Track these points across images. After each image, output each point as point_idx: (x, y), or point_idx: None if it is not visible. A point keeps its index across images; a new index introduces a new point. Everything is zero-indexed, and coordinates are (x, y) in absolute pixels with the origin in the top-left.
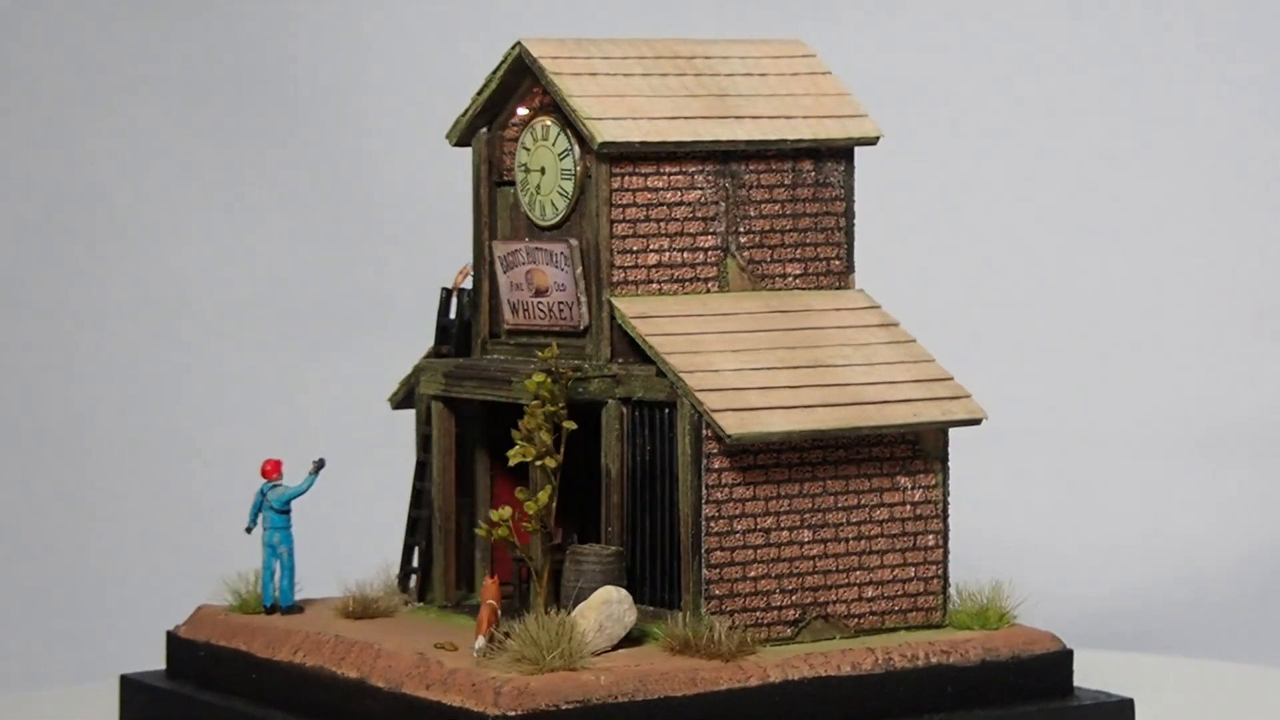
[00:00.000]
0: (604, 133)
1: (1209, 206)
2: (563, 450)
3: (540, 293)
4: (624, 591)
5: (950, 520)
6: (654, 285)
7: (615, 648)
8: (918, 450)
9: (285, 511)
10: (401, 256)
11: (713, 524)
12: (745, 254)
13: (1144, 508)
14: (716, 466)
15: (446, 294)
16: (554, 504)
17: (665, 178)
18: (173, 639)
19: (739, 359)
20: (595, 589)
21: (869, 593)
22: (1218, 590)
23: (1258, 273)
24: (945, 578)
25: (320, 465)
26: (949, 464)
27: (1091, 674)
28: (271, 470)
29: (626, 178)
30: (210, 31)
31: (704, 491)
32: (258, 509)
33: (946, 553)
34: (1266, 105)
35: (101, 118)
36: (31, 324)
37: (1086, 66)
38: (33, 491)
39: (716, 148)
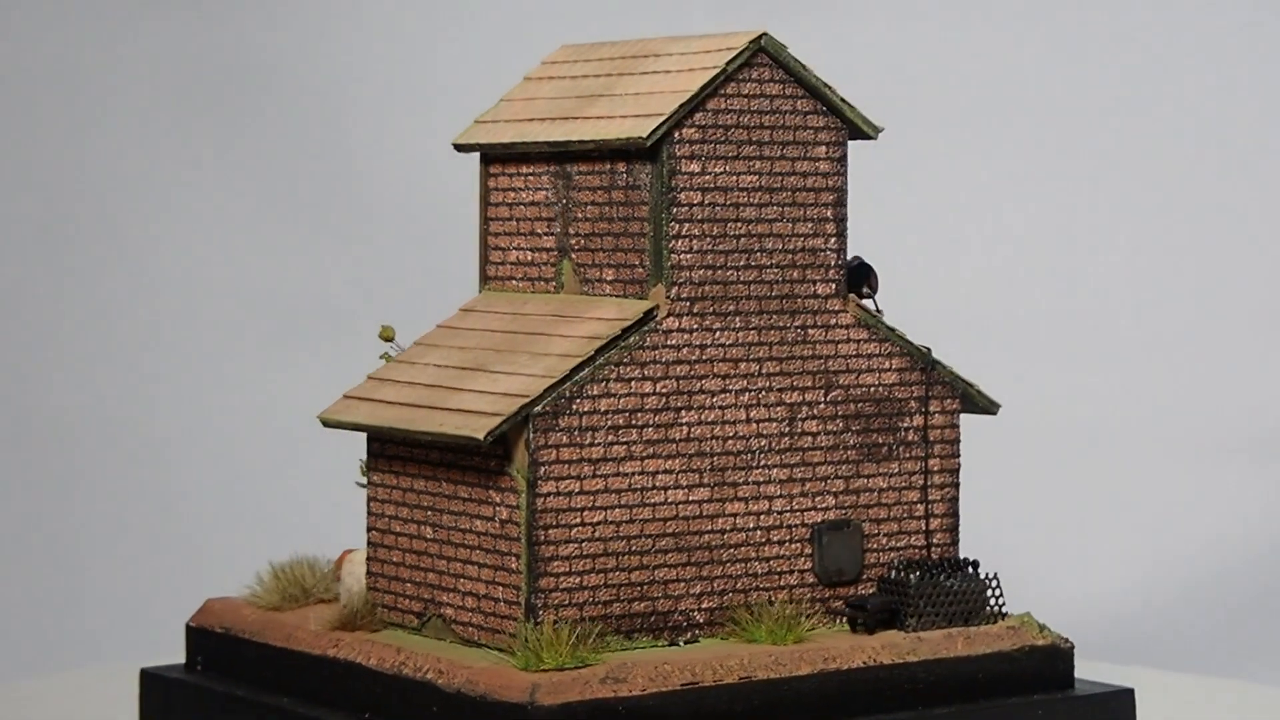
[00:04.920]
0: (462, 135)
1: (1210, 206)
2: None
3: None
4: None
5: (543, 547)
6: (513, 282)
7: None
8: (504, 467)
9: None
10: (399, 256)
11: (371, 505)
12: (575, 256)
13: (1145, 510)
14: (375, 452)
15: None
16: None
17: (524, 178)
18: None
19: (442, 355)
20: None
21: (469, 603)
22: (1218, 597)
23: (1259, 273)
24: (527, 605)
25: None
26: (538, 487)
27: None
28: None
29: (497, 178)
30: (206, 31)
31: (363, 476)
32: None
33: (531, 580)
34: (1268, 104)
35: (98, 118)
36: (32, 321)
37: (1089, 66)
38: (48, 484)
39: (541, 149)
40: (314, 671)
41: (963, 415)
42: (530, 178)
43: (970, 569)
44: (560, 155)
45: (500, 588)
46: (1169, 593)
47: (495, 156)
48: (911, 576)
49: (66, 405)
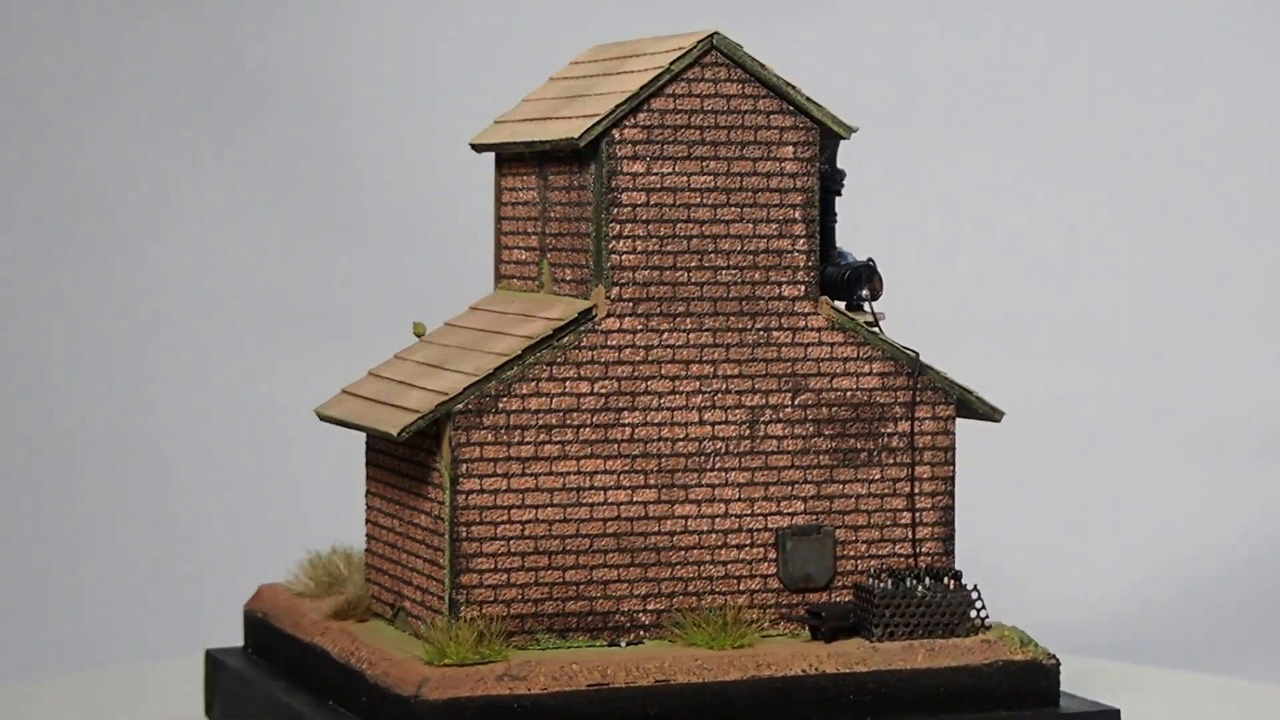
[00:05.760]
0: (480, 135)
1: (1209, 207)
2: None
3: None
4: None
5: (466, 545)
6: (515, 280)
7: None
8: (438, 464)
9: None
10: (398, 255)
11: (368, 499)
12: (549, 256)
13: (1145, 511)
14: (370, 446)
15: None
16: None
17: (520, 178)
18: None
19: (426, 352)
20: None
21: (417, 596)
22: (1217, 596)
23: (1257, 273)
24: (450, 601)
25: None
26: (459, 484)
27: (1083, 683)
28: None
29: (506, 177)
30: (210, 31)
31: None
32: None
33: (452, 576)
34: (1269, 103)
35: (97, 117)
36: (41, 321)
37: (1089, 66)
38: (67, 484)
39: (519, 150)
40: (303, 658)
41: (963, 419)
42: (524, 177)
43: (951, 580)
44: (539, 156)
45: (434, 582)
46: (1169, 593)
47: (503, 157)
48: (879, 585)
49: (75, 405)
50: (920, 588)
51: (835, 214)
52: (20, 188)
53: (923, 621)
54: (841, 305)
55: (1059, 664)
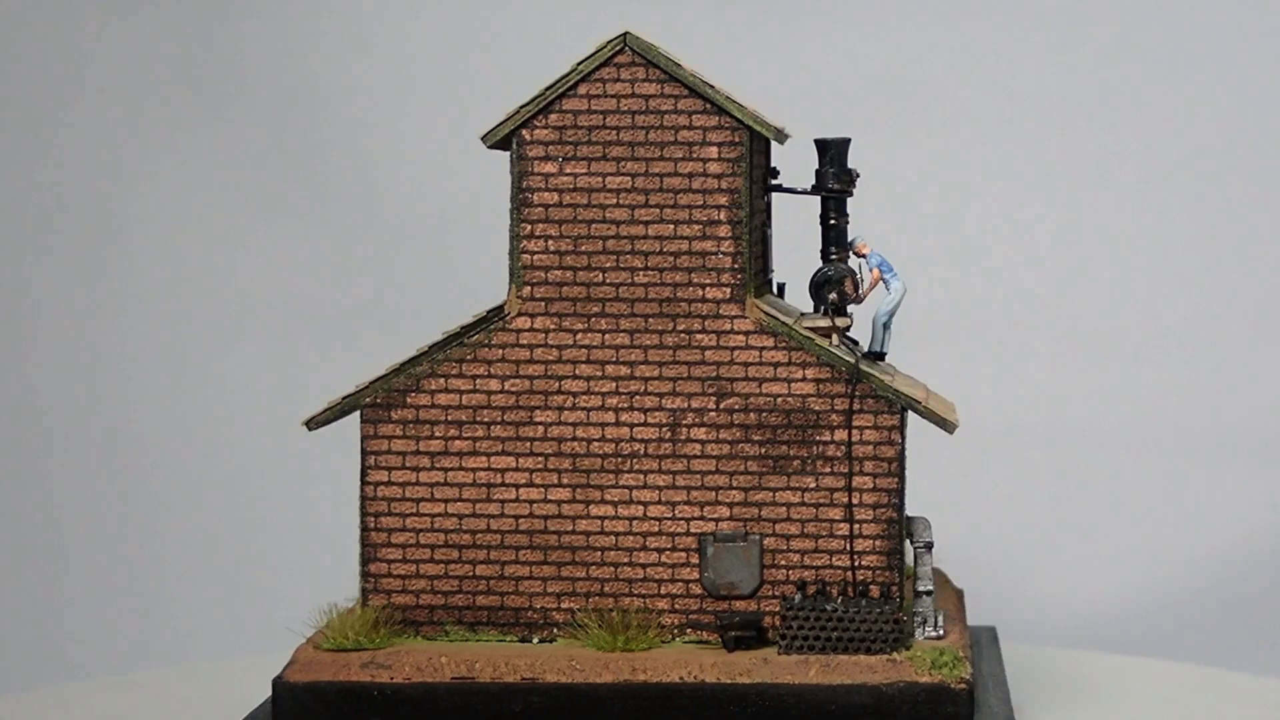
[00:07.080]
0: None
1: (1208, 206)
2: None
3: None
4: None
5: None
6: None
7: None
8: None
9: None
10: (409, 257)
11: None
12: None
13: (1142, 509)
14: None
15: None
16: None
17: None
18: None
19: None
20: None
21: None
22: (1215, 593)
23: (1257, 273)
24: (361, 589)
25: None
26: (367, 476)
27: (1084, 677)
28: None
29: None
30: (215, 30)
31: None
32: None
33: (362, 565)
34: (1266, 103)
35: (105, 117)
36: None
37: (1086, 66)
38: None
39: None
40: None
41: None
42: None
43: (881, 595)
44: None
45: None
46: (1169, 592)
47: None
48: (796, 596)
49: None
50: (832, 602)
51: (846, 215)
52: (16, 188)
53: (835, 636)
54: (768, 305)
55: (970, 688)
